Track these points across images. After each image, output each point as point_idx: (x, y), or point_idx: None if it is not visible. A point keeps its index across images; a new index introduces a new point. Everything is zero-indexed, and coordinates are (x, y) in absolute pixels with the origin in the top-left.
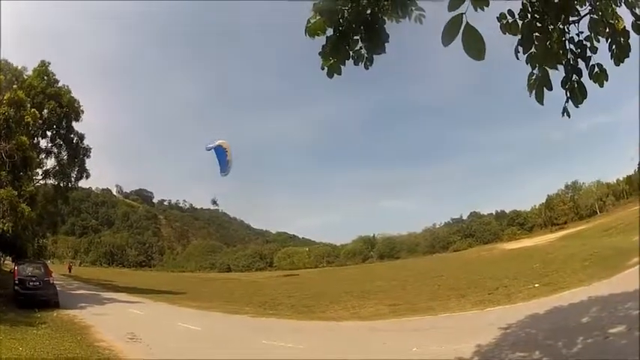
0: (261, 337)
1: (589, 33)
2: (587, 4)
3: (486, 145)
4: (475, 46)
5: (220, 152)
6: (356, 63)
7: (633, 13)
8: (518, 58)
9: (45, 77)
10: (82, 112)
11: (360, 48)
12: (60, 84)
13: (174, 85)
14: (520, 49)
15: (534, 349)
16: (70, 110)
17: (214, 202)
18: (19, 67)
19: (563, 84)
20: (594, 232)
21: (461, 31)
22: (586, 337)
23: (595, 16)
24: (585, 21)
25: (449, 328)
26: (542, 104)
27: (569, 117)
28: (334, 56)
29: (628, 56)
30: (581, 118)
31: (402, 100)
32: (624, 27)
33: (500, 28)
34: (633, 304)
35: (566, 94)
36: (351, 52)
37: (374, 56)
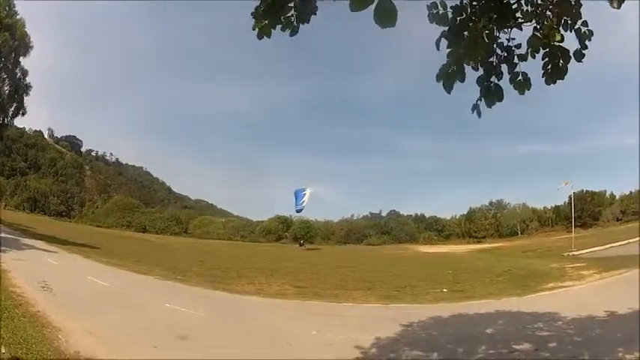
0: (164, 299)
1: (525, 45)
2: (534, 21)
3: (417, 150)
4: (387, 12)
5: (299, 194)
6: (283, 29)
7: (580, 41)
8: (438, 49)
9: (7, 7)
10: (32, 47)
11: (292, 15)
12: (18, 17)
13: (125, 38)
14: (442, 41)
15: (433, 350)
16: (20, 44)
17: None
18: None
19: (480, 82)
20: (512, 251)
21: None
22: (489, 348)
23: (538, 34)
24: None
25: (351, 318)
26: (449, 93)
27: (480, 116)
28: (266, 19)
29: (562, 78)
30: (522, 143)
31: (338, 93)
32: (567, 50)
33: (429, 16)
34: (543, 325)
35: (480, 92)
36: (282, 18)
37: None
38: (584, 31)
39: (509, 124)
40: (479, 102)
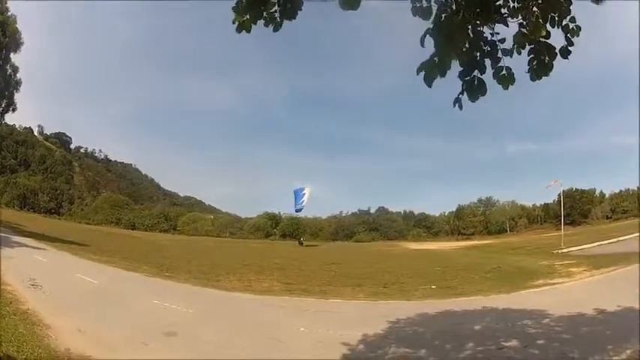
0: (153, 297)
1: (511, 40)
2: (520, 17)
3: (406, 148)
4: None
5: (299, 193)
6: (266, 24)
7: (566, 38)
8: (423, 46)
9: None
10: (22, 43)
11: (275, 11)
12: (9, 13)
13: (115, 35)
14: (427, 39)
15: (420, 347)
16: (11, 41)
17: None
18: None
19: (462, 76)
20: (501, 248)
21: None
22: (477, 345)
23: (524, 30)
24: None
25: (339, 314)
26: (430, 87)
27: (461, 109)
28: (247, 13)
29: (547, 75)
30: (512, 141)
31: (327, 91)
32: (552, 46)
33: (412, 10)
34: (531, 322)
35: (462, 87)
36: (264, 14)
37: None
38: (572, 27)
39: (498, 122)
40: (460, 96)
